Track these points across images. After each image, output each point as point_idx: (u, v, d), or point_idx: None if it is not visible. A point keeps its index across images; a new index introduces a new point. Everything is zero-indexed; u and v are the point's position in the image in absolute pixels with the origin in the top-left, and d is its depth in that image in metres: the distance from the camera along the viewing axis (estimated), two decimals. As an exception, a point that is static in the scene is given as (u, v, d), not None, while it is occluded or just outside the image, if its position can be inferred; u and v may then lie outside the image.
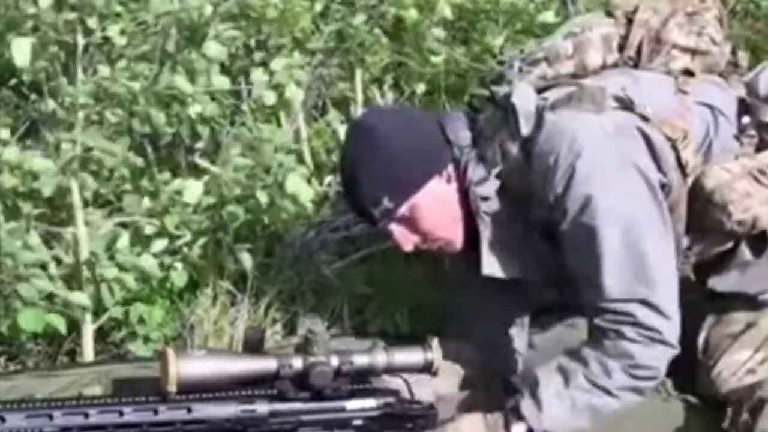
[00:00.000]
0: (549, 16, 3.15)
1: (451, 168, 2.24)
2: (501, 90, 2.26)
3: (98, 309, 2.59)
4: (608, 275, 2.09)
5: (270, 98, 2.73)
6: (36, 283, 2.44)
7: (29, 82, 2.61)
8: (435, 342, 2.02)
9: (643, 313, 2.08)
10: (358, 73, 3.11)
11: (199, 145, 2.79)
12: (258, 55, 2.92)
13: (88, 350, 2.59)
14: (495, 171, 2.23)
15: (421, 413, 1.99)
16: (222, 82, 2.59)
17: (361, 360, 1.95)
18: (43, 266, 2.48)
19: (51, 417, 1.85)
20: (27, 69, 2.42)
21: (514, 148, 2.21)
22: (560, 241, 2.17)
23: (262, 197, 2.60)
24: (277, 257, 2.84)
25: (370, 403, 1.96)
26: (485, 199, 2.22)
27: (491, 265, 2.22)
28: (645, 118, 2.19)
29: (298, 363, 1.91)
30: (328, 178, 2.96)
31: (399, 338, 2.69)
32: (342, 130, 2.89)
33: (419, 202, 2.22)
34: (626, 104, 2.20)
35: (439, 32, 3.10)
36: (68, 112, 2.47)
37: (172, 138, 2.72)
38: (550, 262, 2.22)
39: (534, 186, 2.18)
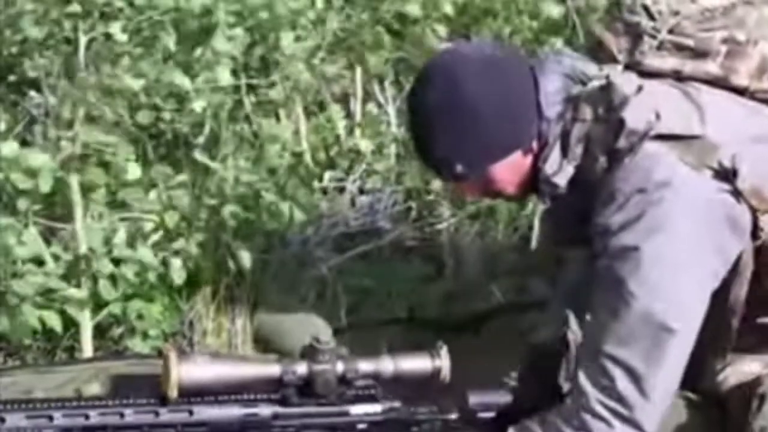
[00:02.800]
0: (553, 11, 3.12)
1: (534, 143, 2.03)
2: (626, 62, 2.03)
3: (97, 305, 2.58)
4: (615, 336, 1.93)
5: (279, 92, 2.70)
6: (32, 279, 2.44)
7: (30, 79, 2.60)
8: (444, 350, 1.95)
9: (623, 382, 1.92)
10: (359, 70, 3.10)
11: (200, 140, 2.78)
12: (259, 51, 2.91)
13: (87, 346, 2.59)
14: (572, 164, 2.02)
15: (426, 418, 1.98)
16: (225, 78, 2.57)
17: (366, 367, 1.92)
18: (41, 263, 2.48)
19: (51, 418, 1.83)
20: (28, 65, 2.40)
21: (601, 155, 1.99)
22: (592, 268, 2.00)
23: (269, 197, 2.59)
24: (276, 253, 2.84)
25: (374, 407, 1.95)
26: (553, 185, 2.04)
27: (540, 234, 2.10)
28: (738, 193, 1.97)
29: (302, 369, 1.90)
30: (327, 174, 2.96)
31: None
32: (342, 126, 2.89)
33: (493, 171, 2.05)
34: (726, 175, 1.97)
35: (440, 28, 3.08)
36: (69, 108, 2.45)
37: (173, 134, 2.71)
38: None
39: (597, 198, 1.99)
